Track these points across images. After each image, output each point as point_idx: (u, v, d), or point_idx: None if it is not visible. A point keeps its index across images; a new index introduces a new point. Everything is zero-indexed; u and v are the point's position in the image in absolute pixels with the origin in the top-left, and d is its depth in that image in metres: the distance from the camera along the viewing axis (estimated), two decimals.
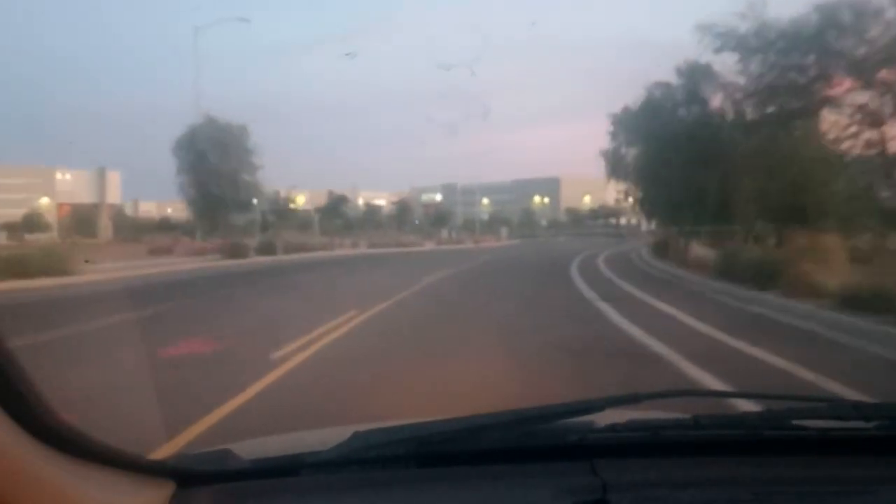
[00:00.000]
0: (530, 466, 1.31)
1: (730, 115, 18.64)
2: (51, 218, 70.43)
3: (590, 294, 15.31)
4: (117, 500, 1.02)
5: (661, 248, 30.05)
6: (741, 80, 17.79)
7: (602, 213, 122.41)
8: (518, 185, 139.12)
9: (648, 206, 27.87)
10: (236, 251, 30.99)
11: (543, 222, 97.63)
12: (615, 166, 27.32)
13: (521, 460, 1.33)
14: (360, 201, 65.79)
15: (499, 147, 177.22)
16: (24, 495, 0.84)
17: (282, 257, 34.27)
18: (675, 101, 20.21)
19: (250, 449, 1.41)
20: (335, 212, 50.85)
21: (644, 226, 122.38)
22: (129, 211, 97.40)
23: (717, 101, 19.09)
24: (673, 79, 20.75)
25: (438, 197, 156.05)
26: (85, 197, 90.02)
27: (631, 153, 26.74)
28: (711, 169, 18.36)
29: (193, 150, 31.10)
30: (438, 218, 78.87)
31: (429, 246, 52.52)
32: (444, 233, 78.60)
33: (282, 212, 42.22)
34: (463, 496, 1.27)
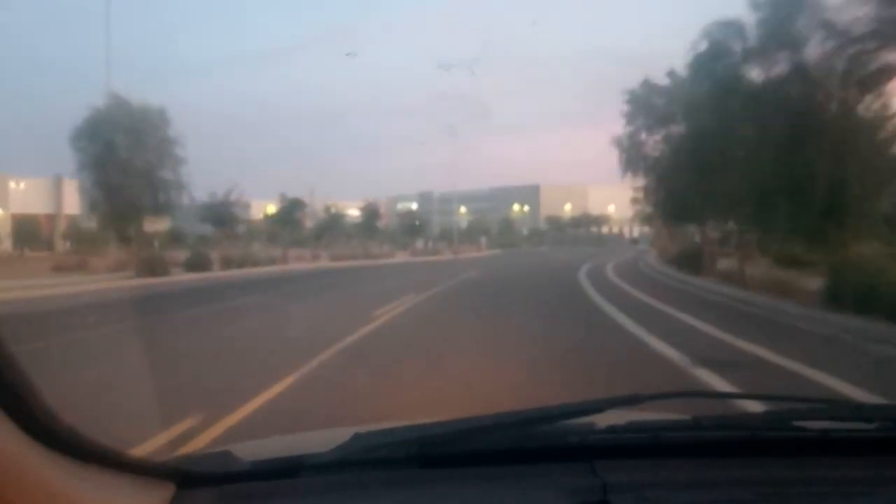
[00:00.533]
0: (531, 467, 1.29)
1: (840, 68, 12.01)
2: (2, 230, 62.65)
3: (673, 353, 8.42)
4: (118, 502, 1.01)
5: (691, 260, 23.33)
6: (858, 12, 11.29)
7: (583, 222, 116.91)
8: (496, 192, 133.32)
9: (676, 205, 21.05)
10: (152, 267, 24.10)
11: (524, 231, 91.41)
12: (631, 157, 20.85)
13: (522, 461, 1.30)
14: (324, 207, 58.41)
15: (476, 156, 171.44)
16: (24, 497, 0.84)
17: (217, 274, 27.43)
18: (745, 49, 13.44)
19: (250, 450, 1.39)
20: (288, 219, 44.54)
21: (630, 233, 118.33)
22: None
23: (816, 48, 12.31)
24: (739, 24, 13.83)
25: (414, 205, 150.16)
26: (40, 207, 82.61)
27: (652, 141, 20.23)
28: (809, 148, 11.82)
29: (98, 139, 24.07)
30: (412, 227, 72.16)
31: (401, 257, 45.86)
32: (420, 243, 71.91)
33: (223, 217, 35.06)
34: (463, 497, 1.24)
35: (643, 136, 20.68)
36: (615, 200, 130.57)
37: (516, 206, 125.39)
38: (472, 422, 1.32)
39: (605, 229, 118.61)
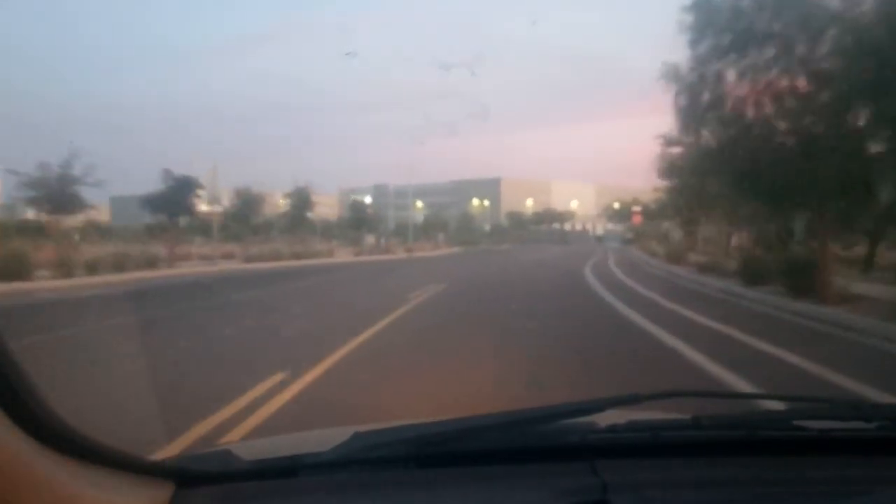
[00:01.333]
0: (531, 467, 1.28)
1: None
2: None
3: None
4: (117, 501, 1.00)
5: (797, 273, 13.92)
6: None
7: (546, 217, 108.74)
8: (456, 186, 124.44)
9: (774, 176, 11.82)
10: None
11: (485, 227, 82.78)
12: (694, 101, 12.02)
13: (522, 461, 1.30)
14: (237, 192, 48.88)
15: (438, 150, 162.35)
16: (24, 496, 0.83)
17: (91, 280, 17.81)
18: None
19: (250, 449, 1.37)
20: (241, 214, 37.47)
21: (594, 231, 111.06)
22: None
23: None
24: None
25: (368, 199, 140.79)
26: None
27: (733, 72, 11.52)
28: None
29: None
30: (360, 221, 62.84)
31: (343, 256, 36.33)
32: (371, 239, 62.19)
33: (59, 200, 24.80)
34: (463, 497, 1.24)
35: (713, 66, 11.80)
36: (578, 196, 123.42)
37: (476, 201, 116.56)
38: (472, 421, 1.31)
39: (567, 226, 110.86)
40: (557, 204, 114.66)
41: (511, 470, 1.29)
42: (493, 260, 36.25)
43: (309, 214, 47.32)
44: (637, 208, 71.83)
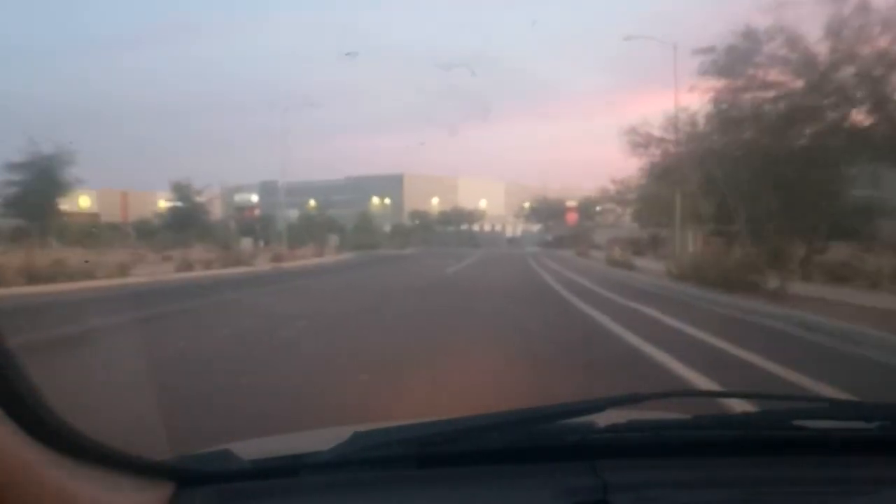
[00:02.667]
0: (531, 467, 1.29)
1: None
2: None
3: None
4: (117, 501, 1.00)
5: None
6: None
7: (454, 218, 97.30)
8: (353, 183, 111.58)
9: None
10: None
11: (386, 228, 70.55)
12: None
13: (522, 461, 1.30)
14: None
15: (336, 148, 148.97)
16: (24, 495, 0.83)
17: None
18: None
19: (250, 449, 1.37)
20: None
21: (506, 231, 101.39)
22: None
23: None
24: None
25: (255, 198, 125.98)
26: None
27: None
28: None
29: None
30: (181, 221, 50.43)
31: (163, 273, 22.96)
32: (249, 243, 49.53)
33: None
34: (463, 497, 1.24)
35: None
36: (487, 195, 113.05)
37: (376, 199, 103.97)
38: (472, 421, 1.31)
39: (476, 227, 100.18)
40: (465, 203, 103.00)
41: (511, 470, 1.28)
42: (384, 276, 24.56)
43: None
44: (572, 203, 60.79)
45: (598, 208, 75.57)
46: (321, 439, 1.39)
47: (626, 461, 1.30)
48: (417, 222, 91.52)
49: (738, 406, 3.77)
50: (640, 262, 26.05)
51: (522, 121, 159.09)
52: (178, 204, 44.27)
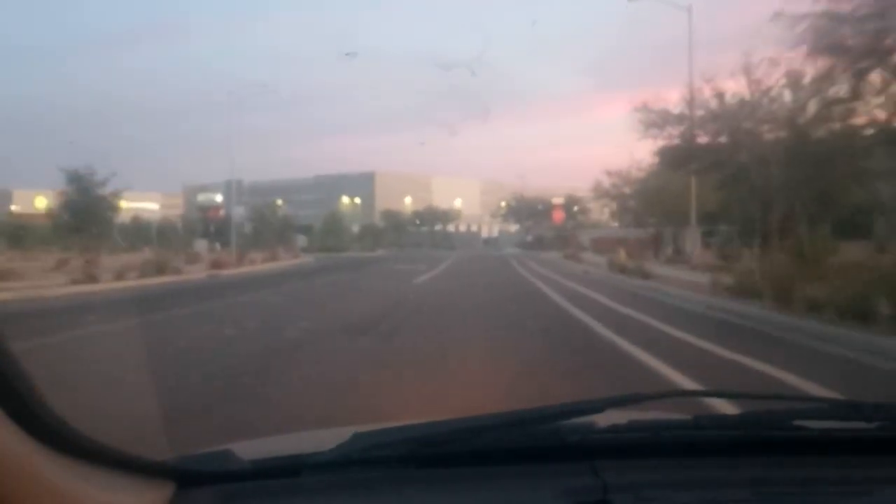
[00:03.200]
0: (531, 467, 1.28)
1: None
2: None
3: None
4: (117, 501, 1.00)
5: None
6: None
7: (428, 218, 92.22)
8: (322, 182, 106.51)
9: None
10: None
11: (354, 228, 65.38)
12: None
13: (522, 461, 1.30)
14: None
15: (311, 148, 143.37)
16: (23, 496, 0.83)
17: None
18: None
19: (250, 449, 1.36)
20: None
21: (481, 232, 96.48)
22: None
23: None
24: None
25: (219, 197, 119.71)
26: None
27: None
28: None
29: None
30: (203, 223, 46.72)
31: (46, 287, 17.41)
32: (202, 245, 46.94)
33: None
34: (463, 497, 1.24)
35: None
36: (462, 194, 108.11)
37: (346, 199, 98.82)
38: (472, 421, 1.31)
39: (451, 227, 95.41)
40: (440, 202, 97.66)
41: (511, 470, 1.28)
42: (334, 292, 18.75)
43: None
44: (558, 200, 55.27)
45: (575, 208, 71.23)
46: (321, 440, 1.39)
47: (627, 461, 1.30)
48: (387, 223, 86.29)
49: (739, 407, 3.69)
50: (650, 268, 21.17)
51: (499, 121, 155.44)
52: (75, 198, 34.92)
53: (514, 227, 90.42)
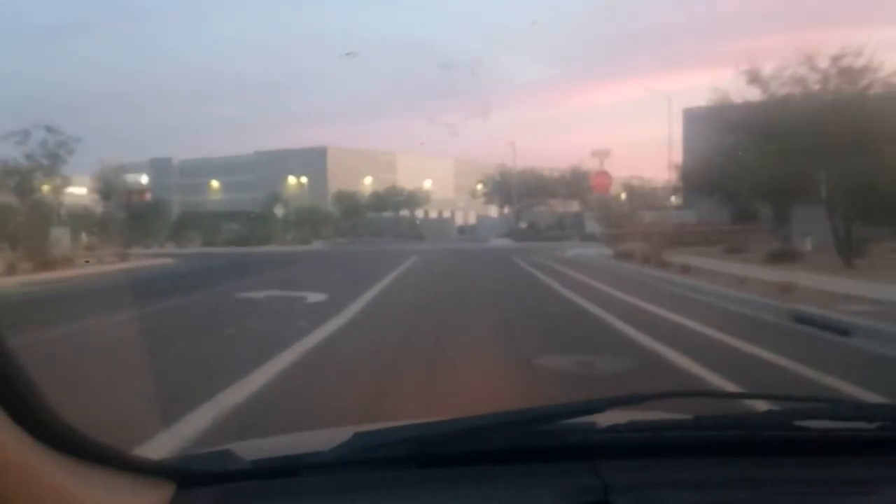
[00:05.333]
0: (532, 467, 1.29)
1: None
2: None
3: None
4: (117, 501, 1.01)
5: None
6: None
7: (391, 201, 73.74)
8: (262, 159, 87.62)
9: None
10: None
11: (279, 213, 47.11)
12: None
13: (523, 461, 1.30)
14: None
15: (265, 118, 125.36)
16: (24, 496, 0.83)
17: None
18: None
19: (251, 449, 1.36)
20: None
21: (462, 219, 78.91)
22: None
23: None
24: None
25: (145, 179, 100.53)
26: None
27: None
28: None
29: None
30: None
31: None
32: (61, 236, 32.51)
33: None
34: (464, 497, 1.24)
35: None
36: (432, 174, 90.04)
37: (292, 178, 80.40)
38: (473, 421, 1.31)
39: (420, 212, 77.55)
40: (406, 182, 78.38)
41: (512, 470, 1.28)
42: None
43: None
44: (600, 154, 35.83)
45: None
46: (322, 439, 1.39)
47: (627, 462, 1.30)
48: (341, 207, 68.15)
49: (740, 407, 3.56)
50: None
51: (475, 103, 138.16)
52: None
53: (494, 211, 73.06)
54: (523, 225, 53.34)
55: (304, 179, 78.01)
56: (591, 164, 47.99)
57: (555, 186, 60.57)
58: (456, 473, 1.27)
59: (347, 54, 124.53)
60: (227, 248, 39.92)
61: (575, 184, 57.94)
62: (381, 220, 73.77)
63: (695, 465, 1.31)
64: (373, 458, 1.26)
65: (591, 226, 46.51)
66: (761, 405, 3.16)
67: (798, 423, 1.35)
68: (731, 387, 6.00)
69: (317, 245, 45.94)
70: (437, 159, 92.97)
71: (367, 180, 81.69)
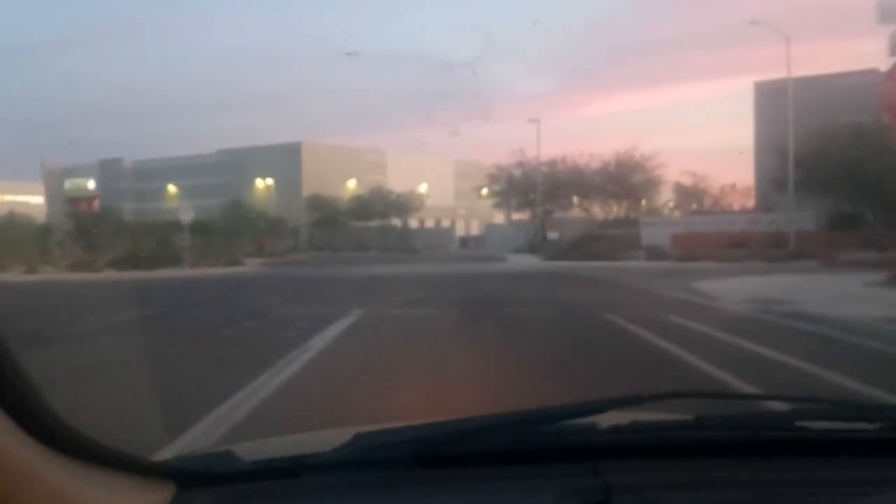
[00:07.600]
0: (533, 468, 1.29)
1: None
2: None
3: None
4: (118, 501, 1.01)
5: None
6: None
7: (378, 208, 59.28)
8: (227, 159, 73.70)
9: None
10: None
11: (185, 218, 32.46)
12: None
13: (524, 462, 1.30)
14: None
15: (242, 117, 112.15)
16: (24, 496, 0.84)
17: None
18: None
19: (251, 450, 1.36)
20: None
21: (464, 230, 64.39)
22: None
23: None
24: None
25: (91, 184, 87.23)
26: None
27: None
28: None
29: None
30: None
31: None
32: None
33: None
34: (465, 498, 1.25)
35: None
36: (430, 178, 75.58)
37: (260, 181, 65.78)
38: (473, 422, 1.32)
39: (414, 222, 63.81)
40: (399, 186, 63.63)
41: (513, 471, 1.29)
42: None
43: None
44: None
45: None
46: (323, 440, 1.40)
47: (629, 462, 1.31)
48: (317, 214, 54.25)
49: (742, 407, 3.16)
50: None
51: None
52: None
53: (502, 218, 59.11)
54: (554, 235, 38.94)
55: (269, 181, 63.96)
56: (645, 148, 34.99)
57: (592, 182, 45.62)
58: (457, 474, 1.28)
59: (348, 54, 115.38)
60: (96, 274, 25.85)
61: (622, 179, 43.09)
62: (366, 230, 60.31)
63: (696, 465, 1.31)
64: (374, 460, 1.26)
65: (652, 235, 32.55)
66: (763, 406, 3.28)
67: (800, 423, 1.37)
68: None
69: (249, 266, 32.06)
70: (434, 159, 78.83)
71: (352, 183, 67.90)
